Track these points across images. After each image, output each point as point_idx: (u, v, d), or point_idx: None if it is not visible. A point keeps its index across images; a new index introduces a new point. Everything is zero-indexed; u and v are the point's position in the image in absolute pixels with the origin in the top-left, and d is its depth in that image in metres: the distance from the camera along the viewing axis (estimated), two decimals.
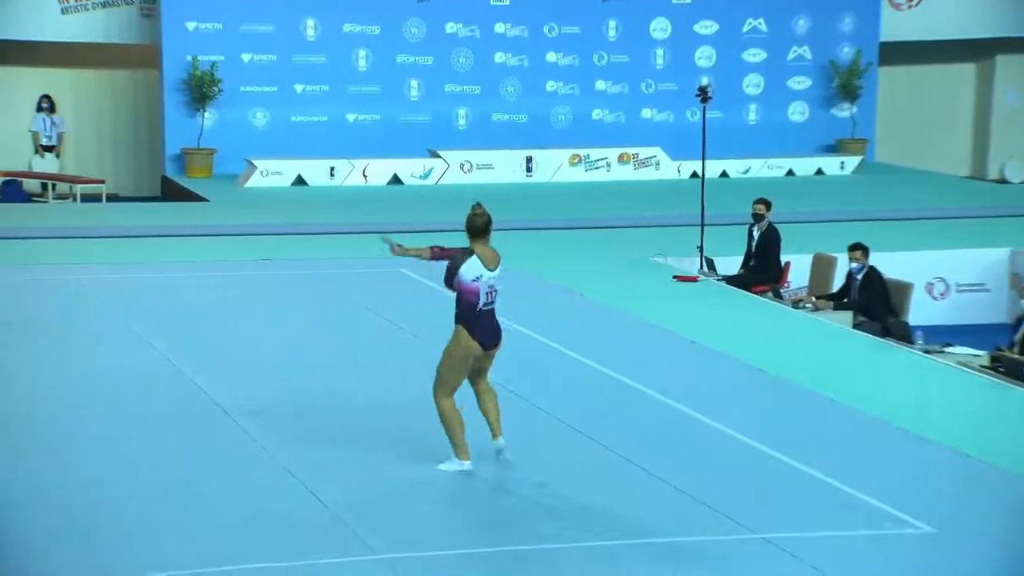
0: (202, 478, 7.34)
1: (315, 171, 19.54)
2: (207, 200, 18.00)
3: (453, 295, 7.41)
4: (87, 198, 19.07)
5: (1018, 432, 8.59)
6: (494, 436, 7.45)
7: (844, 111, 21.99)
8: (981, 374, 9.91)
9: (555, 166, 20.36)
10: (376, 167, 19.79)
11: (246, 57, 20.21)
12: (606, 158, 20.51)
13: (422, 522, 6.79)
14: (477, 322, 7.28)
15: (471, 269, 7.24)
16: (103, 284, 12.50)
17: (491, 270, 7.29)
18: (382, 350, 10.37)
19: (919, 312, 12.74)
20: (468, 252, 7.30)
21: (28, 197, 19.48)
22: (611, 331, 11.10)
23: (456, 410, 7.37)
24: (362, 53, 20.62)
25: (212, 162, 19.92)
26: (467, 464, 7.38)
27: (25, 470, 7.47)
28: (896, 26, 22.34)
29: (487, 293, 7.29)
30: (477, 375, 7.47)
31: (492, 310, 7.37)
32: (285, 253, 14.28)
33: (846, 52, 21.98)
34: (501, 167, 20.16)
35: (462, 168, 20.07)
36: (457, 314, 7.33)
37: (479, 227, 7.30)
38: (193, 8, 19.89)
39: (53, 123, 20.14)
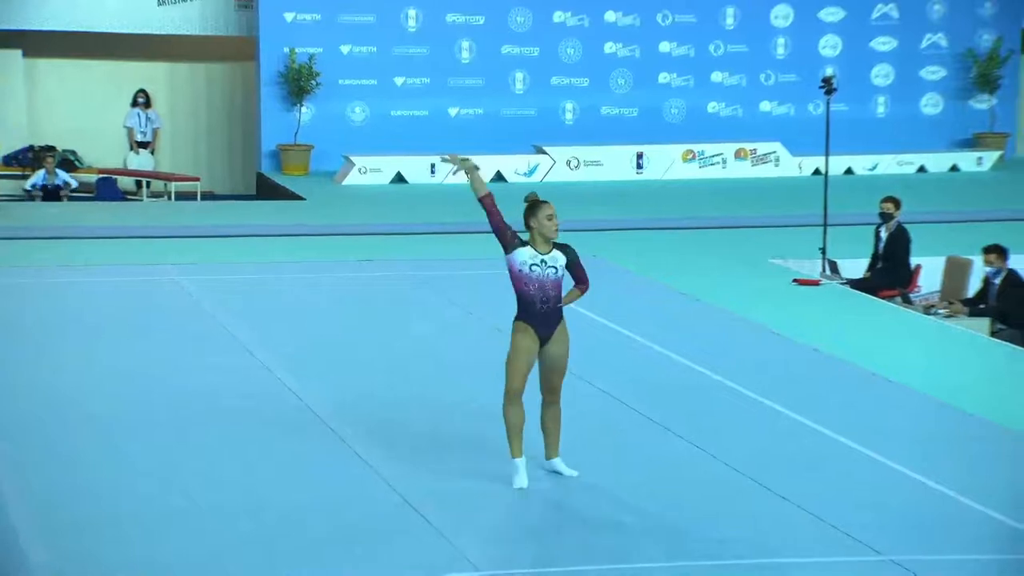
0: (291, 487, 7.45)
1: (415, 168, 19.72)
2: (303, 198, 18.27)
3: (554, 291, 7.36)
4: (181, 196, 19.51)
5: None
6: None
7: (982, 103, 21.53)
8: None
9: (667, 162, 20.26)
10: (479, 163, 19.81)
11: (345, 49, 20.49)
12: (722, 154, 20.36)
13: (525, 536, 6.81)
14: (533, 313, 7.29)
15: (522, 256, 7.26)
16: (198, 284, 12.78)
17: (543, 255, 7.29)
18: (482, 354, 10.42)
19: None
20: (522, 241, 7.28)
21: (123, 195, 20.00)
22: (726, 337, 11.01)
23: (521, 415, 7.36)
24: (465, 44, 20.77)
25: (309, 159, 20.23)
26: (519, 460, 7.31)
27: (120, 473, 7.67)
28: None
29: (539, 284, 7.26)
30: (547, 383, 7.39)
31: (552, 299, 7.28)
32: (384, 253, 14.44)
33: (985, 39, 21.51)
34: (610, 164, 20.14)
35: (569, 165, 20.08)
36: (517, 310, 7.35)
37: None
38: None
39: (148, 119, 20.65)
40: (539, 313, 7.23)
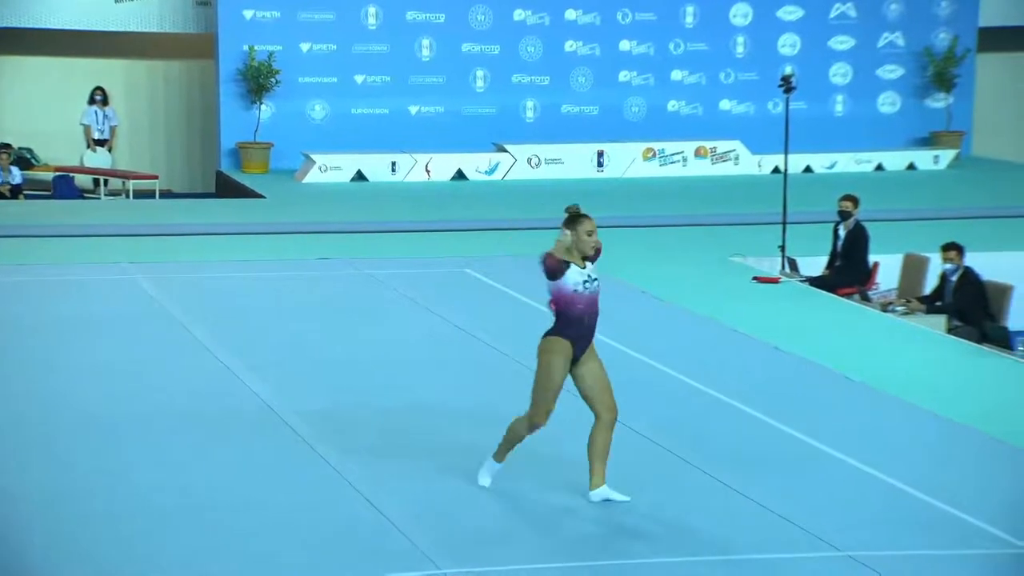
0: (258, 491, 7.41)
1: (376, 166, 19.67)
2: (263, 196, 18.18)
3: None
4: (140, 194, 19.36)
5: None
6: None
7: (939, 102, 21.70)
8: None
9: (628, 161, 20.31)
10: (439, 162, 19.88)
11: (305, 47, 20.40)
12: (682, 152, 20.43)
13: (487, 536, 6.81)
14: (576, 329, 7.16)
15: (572, 278, 7.13)
16: (156, 284, 12.69)
17: (584, 270, 7.18)
18: (445, 353, 10.41)
19: (1020, 316, 12.52)
20: (566, 262, 7.16)
21: (80, 193, 19.82)
22: (685, 334, 11.05)
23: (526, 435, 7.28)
24: (426, 42, 20.73)
25: (269, 157, 20.13)
26: (499, 465, 7.29)
27: (76, 476, 7.60)
28: (996, 10, 21.99)
29: (588, 301, 7.15)
30: (596, 400, 7.20)
31: (593, 317, 7.18)
32: (344, 252, 14.39)
33: (942, 38, 21.68)
34: (571, 162, 20.16)
35: (530, 163, 20.09)
36: (555, 326, 7.19)
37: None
38: None
39: (105, 116, 20.47)
40: (586, 328, 7.11)
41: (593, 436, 7.13)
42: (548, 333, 7.15)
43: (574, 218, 7.18)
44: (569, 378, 7.18)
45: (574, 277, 7.11)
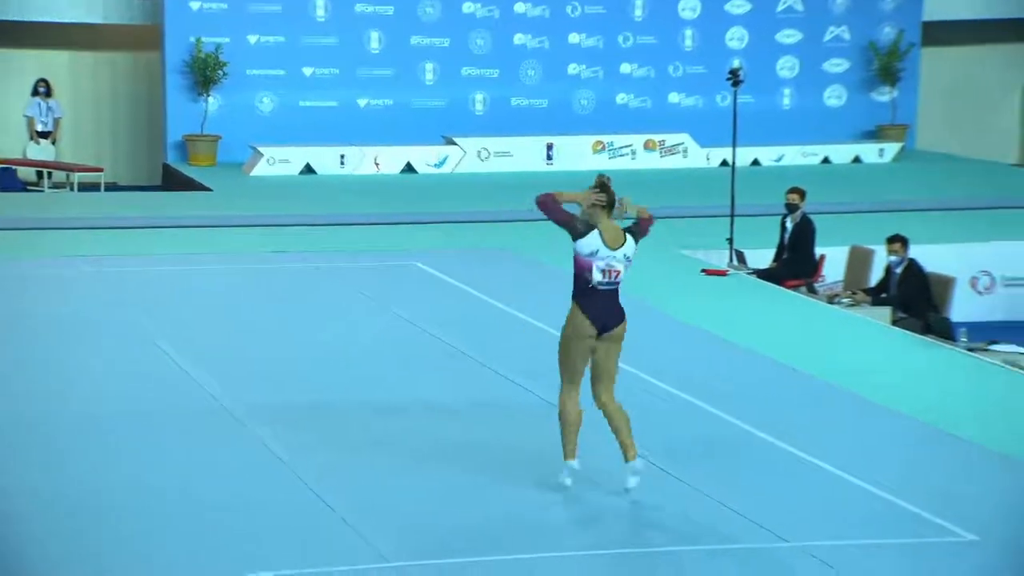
0: (207, 483, 7.37)
1: (324, 159, 19.57)
2: (210, 189, 18.05)
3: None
4: (84, 187, 19.16)
5: None
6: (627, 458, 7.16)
7: (884, 95, 21.90)
8: None
9: (577, 154, 20.34)
10: (388, 155, 19.81)
11: (252, 39, 20.26)
12: (631, 145, 20.49)
13: (436, 530, 6.81)
14: (590, 299, 7.09)
15: (589, 243, 7.08)
16: (101, 277, 12.56)
17: (611, 249, 7.09)
18: (394, 347, 10.39)
19: (962, 307, 12.69)
20: (590, 225, 7.11)
21: (23, 186, 19.59)
22: (635, 326, 11.07)
23: (575, 410, 7.15)
24: (374, 35, 20.65)
25: (216, 149, 19.98)
26: (572, 463, 7.17)
27: (22, 473, 7.51)
28: (940, 4, 22.22)
29: (604, 272, 7.07)
30: (597, 383, 7.17)
31: (611, 291, 7.11)
32: (293, 245, 14.32)
33: (887, 32, 21.88)
34: (520, 155, 20.16)
35: (479, 156, 20.08)
36: (572, 291, 7.16)
37: (607, 202, 7.11)
38: None
39: (49, 108, 20.24)
40: (595, 302, 7.05)
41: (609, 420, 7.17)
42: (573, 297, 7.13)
43: (598, 186, 7.12)
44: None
45: (592, 244, 7.05)
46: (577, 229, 7.08)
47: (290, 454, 7.80)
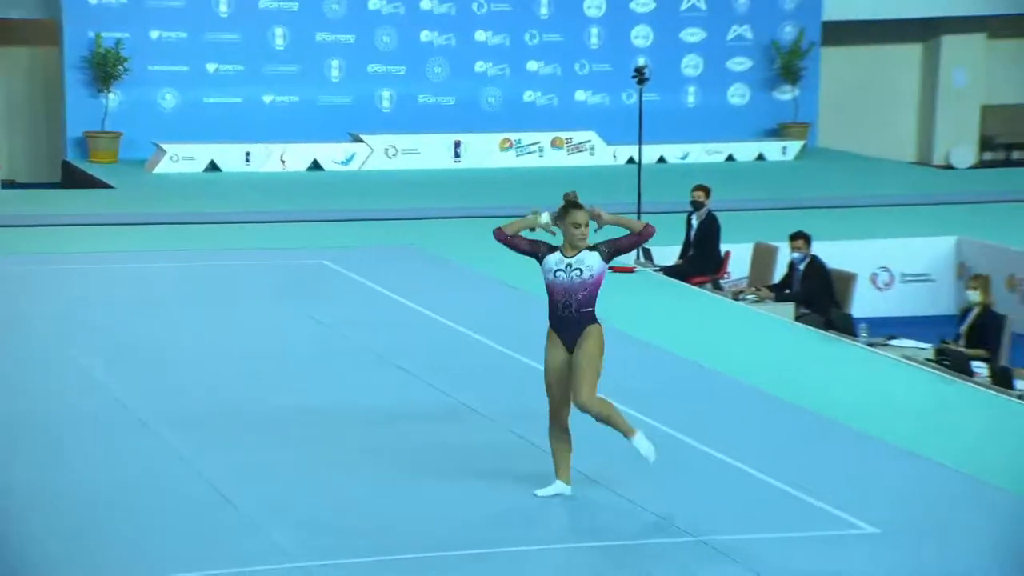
0: (115, 488, 7.25)
1: (229, 156, 19.35)
2: (112, 187, 17.76)
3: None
4: None
5: (963, 428, 8.75)
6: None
7: (786, 94, 22.22)
8: (926, 368, 10.07)
9: (485, 151, 20.34)
10: (295, 152, 19.63)
11: (154, 34, 19.95)
12: (538, 143, 20.54)
13: (345, 529, 6.76)
14: (561, 324, 7.05)
15: (548, 263, 7.00)
16: (0, 277, 12.28)
17: (567, 258, 7.00)
18: (303, 346, 10.30)
19: (863, 303, 12.91)
20: (551, 247, 7.05)
21: None
22: (540, 323, 11.10)
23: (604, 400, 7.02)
24: (279, 31, 20.45)
25: (118, 146, 19.64)
26: (561, 486, 7.06)
27: None
28: (839, 4, 22.59)
29: (562, 289, 7.01)
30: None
31: (578, 317, 7.01)
32: (197, 243, 14.13)
33: (788, 32, 22.20)
34: (428, 152, 20.11)
35: (386, 153, 19.99)
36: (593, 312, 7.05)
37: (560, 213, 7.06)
38: None
39: None
40: (561, 319, 6.97)
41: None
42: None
43: (565, 208, 7.01)
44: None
45: (553, 262, 6.98)
46: (539, 255, 7.01)
47: (196, 453, 7.69)
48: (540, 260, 7.04)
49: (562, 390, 7.01)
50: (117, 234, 14.71)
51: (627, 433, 7.07)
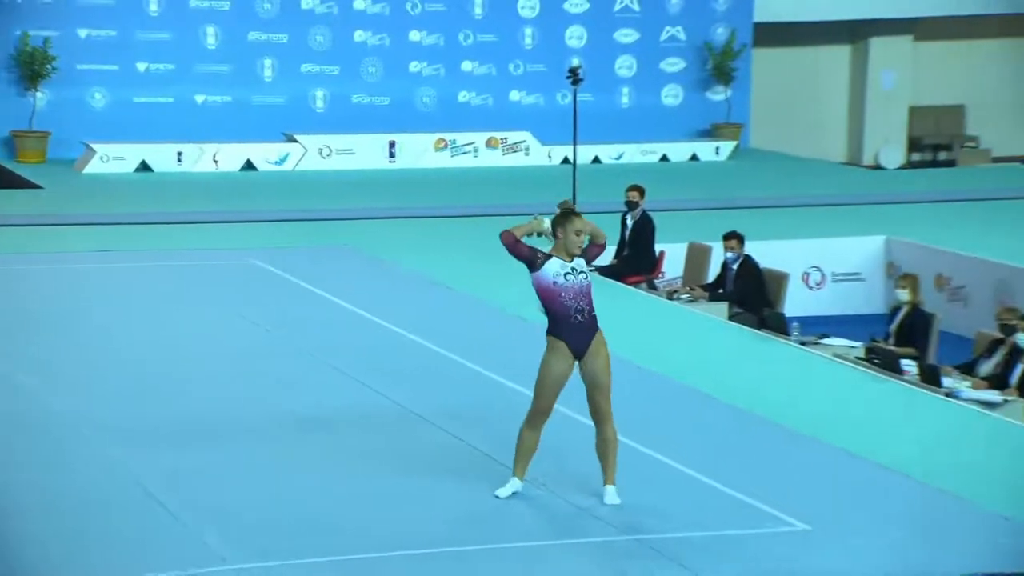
0: (46, 492, 7.13)
1: (161, 156, 19.14)
2: (40, 187, 17.50)
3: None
4: None
5: (892, 426, 8.85)
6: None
7: (719, 94, 22.38)
8: (856, 366, 10.18)
9: (420, 151, 20.29)
10: (228, 152, 19.46)
11: (83, 32, 19.68)
12: (473, 143, 20.52)
13: (279, 531, 6.70)
14: (567, 329, 7.01)
15: (546, 270, 6.99)
16: None
17: (568, 263, 7.01)
18: (234, 347, 10.20)
19: (795, 302, 13.03)
20: (547, 255, 7.04)
21: None
22: (477, 325, 11.10)
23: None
24: (210, 30, 20.26)
25: (46, 146, 19.36)
26: (517, 483, 7.07)
27: None
28: (770, 6, 22.80)
29: (573, 292, 7.00)
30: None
31: (586, 323, 7.00)
32: (128, 245, 13.95)
33: (720, 33, 22.36)
34: (362, 152, 20.02)
35: (320, 153, 19.87)
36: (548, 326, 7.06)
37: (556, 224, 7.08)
38: None
39: None
40: (574, 325, 6.93)
41: (596, 443, 7.07)
42: (547, 332, 7.01)
43: (564, 215, 7.02)
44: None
45: (554, 268, 6.96)
46: (536, 262, 6.98)
47: (127, 456, 7.59)
48: (537, 267, 7.00)
49: (553, 399, 7.02)
50: (45, 235, 14.48)
51: (517, 472, 7.12)
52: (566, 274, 6.98)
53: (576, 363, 7.01)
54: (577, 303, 6.98)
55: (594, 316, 7.03)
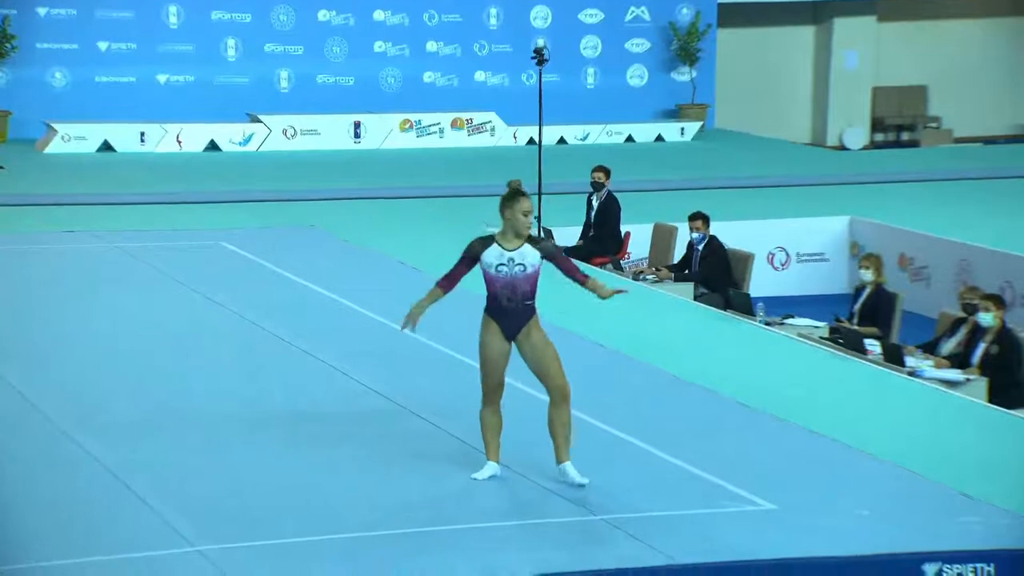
0: (9, 475, 7.06)
1: (123, 136, 18.98)
2: (1, 167, 17.32)
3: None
4: None
5: (856, 405, 8.91)
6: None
7: (684, 75, 22.39)
8: (820, 346, 10.24)
9: (385, 132, 20.21)
10: (191, 132, 19.31)
11: (42, 11, 19.49)
12: (439, 123, 20.46)
13: (245, 514, 6.68)
14: (501, 313, 6.98)
15: (488, 256, 6.96)
16: None
17: (508, 251, 6.93)
18: (200, 328, 10.14)
19: (760, 283, 13.08)
20: (485, 242, 7.02)
21: None
22: (442, 307, 11.06)
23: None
24: (172, 9, 20.08)
25: (7, 125, 19.18)
26: (494, 467, 7.05)
27: None
28: None
29: (505, 282, 6.94)
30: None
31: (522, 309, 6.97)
32: (90, 225, 13.83)
33: (684, 13, 22.37)
34: (327, 133, 19.93)
35: (285, 134, 19.76)
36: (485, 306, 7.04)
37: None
38: None
39: None
40: (505, 309, 6.90)
41: (548, 414, 7.02)
42: (484, 309, 6.99)
43: (511, 195, 6.92)
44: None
45: (490, 258, 6.90)
46: (475, 251, 6.93)
47: (91, 440, 7.55)
48: (479, 258, 6.96)
49: (499, 376, 7.00)
50: (6, 215, 14.34)
51: (490, 455, 7.10)
52: (499, 266, 6.93)
53: (513, 345, 6.97)
54: (510, 292, 6.94)
55: (528, 304, 6.96)
